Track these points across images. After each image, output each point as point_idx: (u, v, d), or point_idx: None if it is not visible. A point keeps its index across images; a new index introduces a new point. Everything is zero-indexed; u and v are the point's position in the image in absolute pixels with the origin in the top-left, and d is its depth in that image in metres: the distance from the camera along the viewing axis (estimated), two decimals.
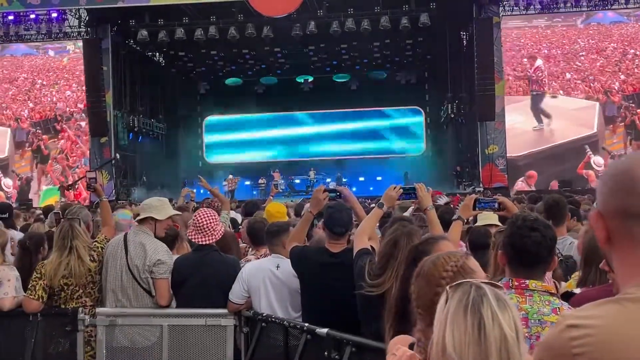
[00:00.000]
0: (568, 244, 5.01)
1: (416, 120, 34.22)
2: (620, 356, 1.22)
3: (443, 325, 1.79)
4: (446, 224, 4.31)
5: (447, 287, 1.85)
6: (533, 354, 1.38)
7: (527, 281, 2.79)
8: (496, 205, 3.93)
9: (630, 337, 1.23)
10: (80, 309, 4.91)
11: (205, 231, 4.93)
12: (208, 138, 35.30)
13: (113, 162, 24.15)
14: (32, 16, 24.73)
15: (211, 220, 4.96)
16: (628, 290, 1.31)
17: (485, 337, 1.75)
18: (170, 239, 5.35)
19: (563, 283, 3.80)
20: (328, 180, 29.10)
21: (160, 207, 5.08)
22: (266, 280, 4.84)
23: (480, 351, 1.75)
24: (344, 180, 29.86)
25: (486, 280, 1.88)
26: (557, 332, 1.30)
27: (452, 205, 7.06)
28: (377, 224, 4.54)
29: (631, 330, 1.24)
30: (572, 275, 3.69)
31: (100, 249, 5.07)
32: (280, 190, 27.67)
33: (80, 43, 25.86)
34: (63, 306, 4.99)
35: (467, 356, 1.75)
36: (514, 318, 1.80)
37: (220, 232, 5.05)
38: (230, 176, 28.05)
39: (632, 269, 1.33)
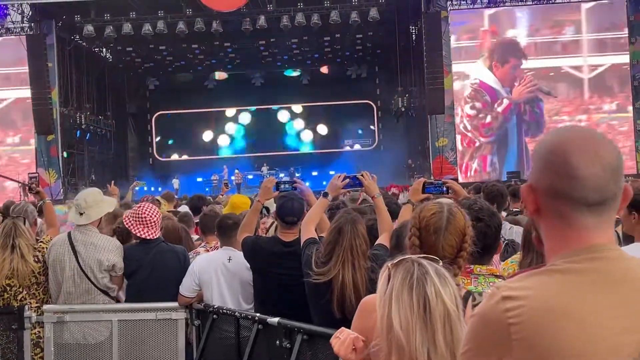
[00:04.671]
0: (508, 229, 5.21)
1: (367, 114, 34.46)
2: (550, 323, 1.28)
3: (388, 303, 1.84)
4: (392, 215, 4.36)
5: (389, 264, 1.89)
6: (467, 325, 1.42)
7: (472, 266, 2.86)
8: (444, 188, 3.99)
9: (559, 305, 1.30)
10: (26, 306, 4.79)
11: (149, 223, 4.87)
12: (158, 135, 34.84)
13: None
14: None
15: (155, 213, 4.91)
16: (555, 262, 1.37)
17: (430, 313, 1.81)
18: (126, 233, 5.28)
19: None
20: (281, 175, 29.12)
21: (104, 198, 4.99)
22: (218, 273, 4.82)
23: (426, 327, 1.80)
24: (297, 175, 29.91)
25: (424, 256, 1.93)
26: (493, 304, 1.34)
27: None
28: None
29: (559, 298, 1.31)
30: (512, 257, 3.81)
31: (45, 249, 4.93)
32: (232, 187, 27.77)
33: None
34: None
35: (415, 333, 1.80)
36: (454, 292, 1.87)
37: (159, 228, 5.02)
38: (237, 170, 29.70)
39: (558, 242, 1.39)
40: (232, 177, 29.54)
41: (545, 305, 1.29)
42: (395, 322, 1.80)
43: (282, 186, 4.66)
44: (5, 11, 24.34)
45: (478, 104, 24.55)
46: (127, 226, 4.96)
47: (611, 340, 1.26)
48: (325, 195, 4.19)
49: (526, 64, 24.57)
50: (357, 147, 34.07)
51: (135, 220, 4.90)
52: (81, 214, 4.85)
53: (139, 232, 4.89)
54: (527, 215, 1.44)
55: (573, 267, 1.34)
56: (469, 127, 24.64)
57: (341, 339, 2.08)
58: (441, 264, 1.93)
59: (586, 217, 1.35)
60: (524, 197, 1.42)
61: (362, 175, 4.22)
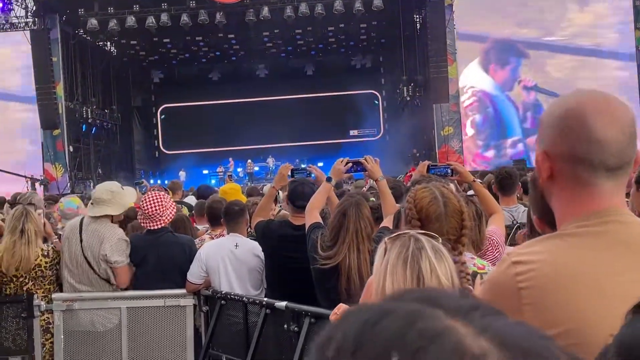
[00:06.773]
0: (522, 211, 5.21)
1: (373, 103, 34.40)
2: (561, 286, 1.26)
3: (382, 276, 1.85)
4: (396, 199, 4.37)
5: (386, 239, 1.90)
6: (479, 292, 1.41)
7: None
8: (449, 170, 4.00)
9: (570, 267, 1.28)
10: (35, 295, 4.82)
11: (152, 217, 4.89)
12: (163, 127, 34.88)
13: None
14: None
15: (157, 206, 4.90)
16: (568, 226, 1.35)
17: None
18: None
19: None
20: None
21: (112, 200, 4.91)
22: (225, 259, 4.85)
23: None
24: (302, 166, 29.88)
25: (424, 232, 1.93)
26: (503, 269, 1.32)
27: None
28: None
29: (571, 261, 1.29)
30: None
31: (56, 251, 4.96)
32: (243, 176, 28.11)
33: None
34: None
35: None
36: (450, 268, 1.87)
37: (170, 214, 5.00)
38: (249, 161, 30.91)
39: (572, 207, 1.36)
40: (239, 170, 29.86)
41: (556, 268, 1.27)
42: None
43: (297, 173, 4.70)
44: (9, 6, 24.35)
45: (480, 120, 23.69)
46: (140, 223, 5.05)
47: (625, 304, 1.25)
48: (329, 179, 4.20)
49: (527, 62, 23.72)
50: (362, 137, 34.01)
51: (142, 215, 4.95)
52: (92, 204, 4.94)
53: (142, 223, 4.95)
54: (541, 182, 1.37)
55: (586, 231, 1.31)
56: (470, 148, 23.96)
57: (339, 314, 2.10)
58: (440, 240, 1.93)
59: (603, 181, 1.33)
60: (538, 164, 1.39)
61: (365, 159, 4.23)
